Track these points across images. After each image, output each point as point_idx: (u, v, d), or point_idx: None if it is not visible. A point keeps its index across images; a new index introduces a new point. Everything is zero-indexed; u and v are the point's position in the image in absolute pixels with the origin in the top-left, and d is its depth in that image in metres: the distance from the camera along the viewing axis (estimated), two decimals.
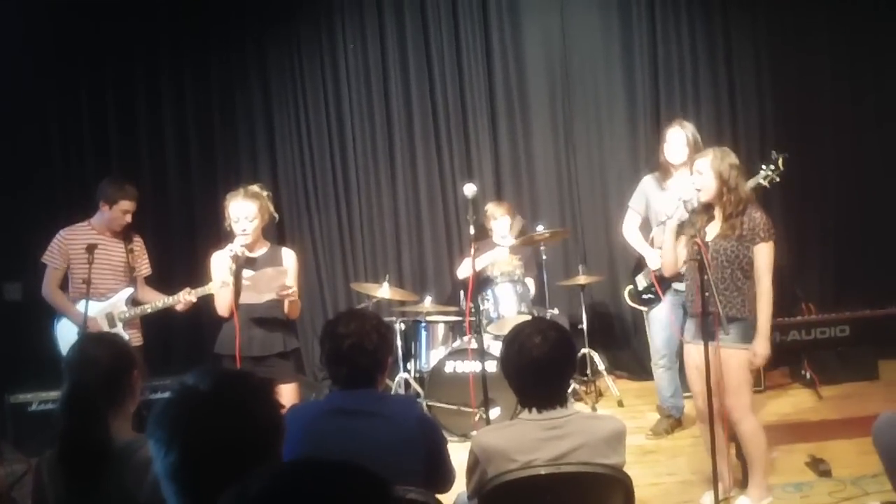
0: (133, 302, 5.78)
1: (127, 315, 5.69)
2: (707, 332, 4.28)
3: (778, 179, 5.77)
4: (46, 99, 7.66)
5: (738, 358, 4.42)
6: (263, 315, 5.02)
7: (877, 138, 7.66)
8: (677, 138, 5.60)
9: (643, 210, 6.02)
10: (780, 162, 5.63)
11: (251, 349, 4.96)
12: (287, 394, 4.94)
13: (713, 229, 4.51)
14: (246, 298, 4.90)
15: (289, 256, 5.21)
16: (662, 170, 5.85)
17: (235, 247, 4.87)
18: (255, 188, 5.10)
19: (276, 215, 5.41)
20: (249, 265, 4.94)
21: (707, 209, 4.55)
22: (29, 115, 7.53)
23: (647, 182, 6.00)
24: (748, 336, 4.44)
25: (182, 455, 1.69)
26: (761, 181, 5.77)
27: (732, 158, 4.52)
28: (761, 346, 4.44)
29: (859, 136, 7.70)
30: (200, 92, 7.97)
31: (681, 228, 4.65)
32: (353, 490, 1.27)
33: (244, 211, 4.94)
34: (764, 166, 5.69)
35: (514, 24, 8.02)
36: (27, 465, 5.02)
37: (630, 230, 6.11)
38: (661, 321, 5.86)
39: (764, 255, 4.47)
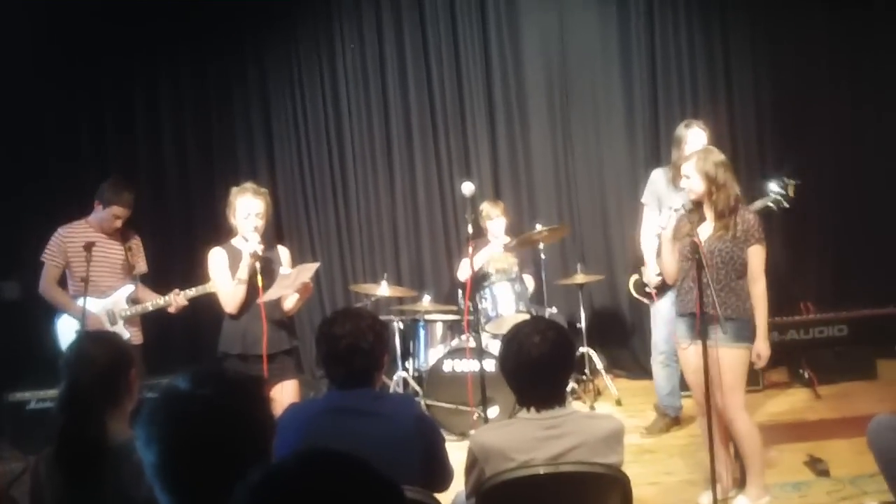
0: (133, 300, 5.77)
1: (128, 313, 5.69)
2: (704, 331, 4.29)
3: (787, 206, 5.77)
4: (44, 98, 7.65)
5: (733, 357, 4.43)
6: (271, 313, 5.00)
7: (876, 138, 7.65)
8: (699, 140, 5.54)
9: (657, 204, 5.91)
10: (791, 188, 5.64)
11: (260, 347, 4.90)
12: (291, 390, 4.95)
13: (705, 230, 4.52)
14: (266, 296, 4.87)
15: (284, 254, 5.21)
16: (675, 169, 5.76)
17: (254, 245, 4.84)
18: (257, 186, 5.08)
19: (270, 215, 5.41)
20: (262, 263, 4.92)
21: (698, 210, 4.55)
22: (26, 114, 7.52)
23: (658, 176, 5.91)
24: (742, 335, 4.46)
25: (161, 452, 1.70)
26: (769, 204, 5.78)
27: (717, 156, 4.53)
28: (762, 347, 4.47)
29: (858, 135, 7.70)
30: (198, 91, 7.98)
31: (675, 233, 4.65)
32: (369, 482, 1.28)
33: (255, 207, 4.92)
34: (774, 189, 5.69)
35: (512, 23, 8.02)
36: (25, 464, 5.04)
37: (648, 235, 5.92)
38: (663, 316, 5.82)
39: (758, 257, 4.50)
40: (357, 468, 1.30)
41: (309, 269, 5.01)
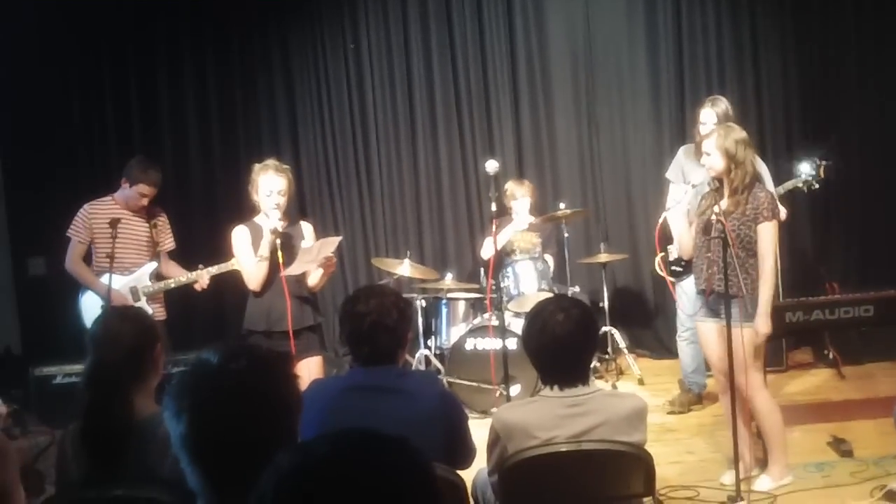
0: (157, 277, 5.81)
1: (151, 289, 5.73)
2: (728, 310, 4.28)
3: (817, 187, 5.72)
4: (69, 78, 7.71)
5: (748, 335, 4.41)
6: (295, 289, 5.01)
7: None
8: (708, 118, 5.52)
9: (681, 180, 5.87)
10: (822, 169, 5.59)
11: (285, 323, 4.91)
12: (315, 366, 4.97)
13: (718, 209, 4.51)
14: (289, 271, 4.88)
15: (308, 230, 5.21)
16: (697, 148, 5.75)
17: (274, 221, 4.86)
18: (279, 163, 5.09)
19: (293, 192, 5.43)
20: (283, 239, 4.94)
21: (719, 188, 4.53)
22: (52, 95, 7.57)
23: (684, 152, 5.91)
24: (754, 314, 4.45)
25: (190, 425, 1.71)
26: (799, 185, 5.74)
27: (738, 133, 4.51)
28: (762, 324, 4.43)
29: (885, 117, 7.59)
30: (222, 69, 7.98)
31: (696, 209, 4.65)
32: (401, 464, 1.27)
33: (277, 185, 4.92)
34: (805, 169, 5.64)
35: (538, 4, 7.96)
36: (51, 438, 5.09)
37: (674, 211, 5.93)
38: (689, 293, 5.77)
39: (767, 235, 4.47)
40: (389, 449, 1.28)
41: (331, 243, 5.01)
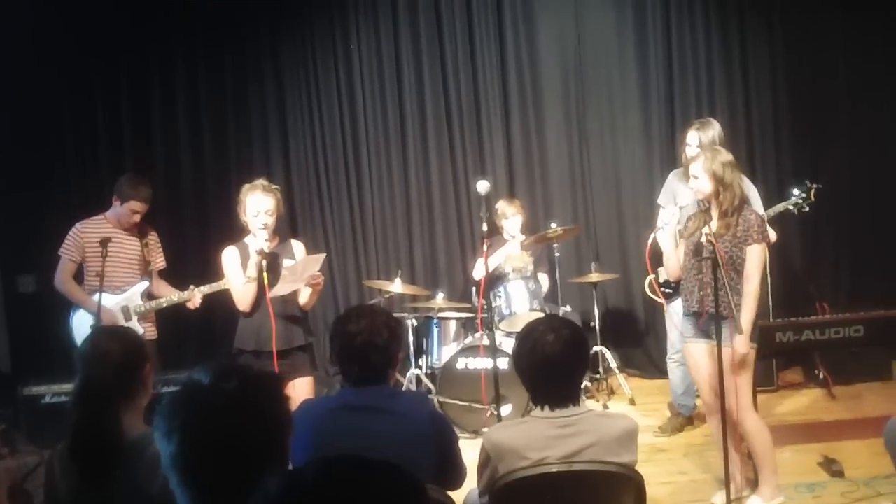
0: (148, 296, 5.80)
1: (142, 309, 5.72)
2: (719, 331, 4.29)
3: (807, 209, 5.77)
4: (60, 93, 7.67)
5: (737, 356, 4.42)
6: (285, 309, 5.01)
7: (893, 139, 7.60)
8: (693, 140, 5.55)
9: (672, 204, 5.91)
10: (812, 192, 5.63)
11: (276, 342, 4.90)
12: (305, 387, 4.96)
13: (708, 230, 4.52)
14: (275, 291, 4.89)
15: (299, 248, 5.21)
16: (685, 169, 5.79)
17: (261, 242, 4.86)
18: (267, 183, 5.10)
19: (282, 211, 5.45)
20: (269, 259, 4.94)
21: (707, 210, 4.55)
22: (43, 109, 7.55)
23: (674, 176, 5.95)
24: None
25: (180, 445, 1.70)
26: (790, 207, 5.78)
27: (724, 156, 4.55)
28: (740, 345, 4.43)
29: (875, 137, 7.64)
30: (214, 85, 7.98)
31: (681, 231, 4.68)
32: (390, 490, 1.27)
33: (264, 205, 4.93)
34: (795, 192, 5.69)
35: (528, 20, 7.99)
36: (40, 458, 5.06)
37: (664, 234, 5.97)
38: (679, 315, 5.79)
39: (755, 257, 4.50)
40: (378, 475, 1.28)
41: (316, 261, 5.01)
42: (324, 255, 5.21)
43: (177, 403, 1.75)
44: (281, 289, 4.89)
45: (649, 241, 5.00)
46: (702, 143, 5.43)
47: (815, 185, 5.71)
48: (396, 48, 8.05)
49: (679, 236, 4.73)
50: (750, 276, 4.48)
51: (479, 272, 6.81)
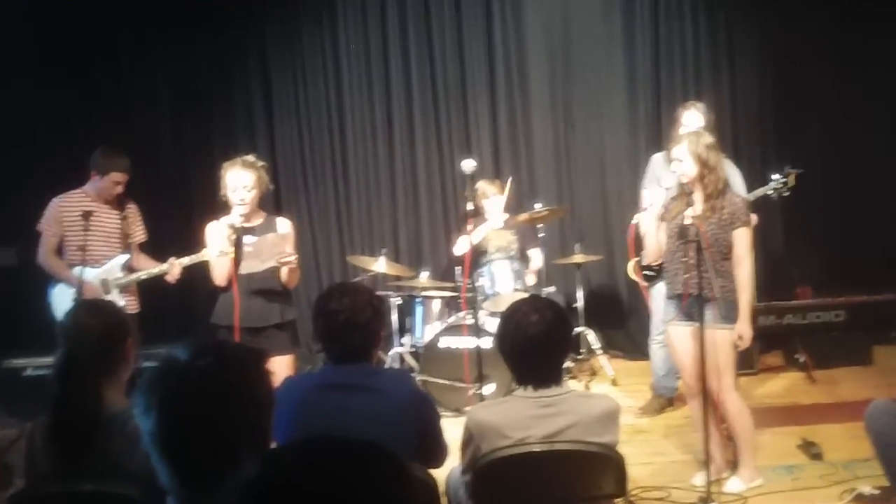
0: (128, 269, 5.77)
1: (122, 281, 5.68)
2: (702, 313, 4.31)
3: (787, 194, 5.78)
4: (35, 64, 7.56)
5: (722, 337, 4.45)
6: (262, 285, 4.99)
7: (878, 120, 7.62)
8: (694, 122, 5.52)
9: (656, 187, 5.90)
10: (793, 177, 5.64)
11: (249, 319, 4.91)
12: (283, 365, 4.92)
13: (692, 213, 4.53)
14: (246, 268, 4.88)
15: (284, 225, 5.19)
16: (669, 154, 5.75)
17: (234, 217, 4.85)
18: (251, 158, 5.06)
19: (272, 186, 5.41)
20: (248, 235, 4.92)
21: (688, 193, 4.56)
22: (17, 82, 7.44)
23: (657, 161, 5.92)
24: (730, 317, 4.48)
25: (158, 422, 1.69)
26: (769, 192, 5.78)
27: (707, 139, 4.56)
28: (745, 329, 4.47)
29: (861, 119, 7.65)
30: (197, 61, 7.91)
31: (665, 214, 4.68)
32: (371, 472, 1.26)
33: (242, 180, 4.91)
34: (775, 178, 5.70)
35: (516, 2, 7.96)
36: (20, 431, 5.03)
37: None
38: (663, 297, 5.79)
39: (743, 240, 4.52)
40: (358, 456, 1.27)
41: (281, 239, 4.98)
42: (287, 233, 5.14)
43: (154, 380, 1.74)
44: (248, 266, 4.88)
45: (632, 223, 4.99)
46: (700, 124, 5.40)
47: (795, 171, 5.72)
48: (384, 30, 8.00)
49: (661, 219, 4.73)
50: (741, 260, 4.50)
51: (460, 248, 6.80)
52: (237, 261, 4.85)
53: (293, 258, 5.01)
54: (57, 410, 2.70)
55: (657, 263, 5.29)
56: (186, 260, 5.41)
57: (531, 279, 6.75)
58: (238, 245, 4.85)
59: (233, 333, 4.87)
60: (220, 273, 4.98)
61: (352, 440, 1.29)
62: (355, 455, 1.27)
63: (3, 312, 7.37)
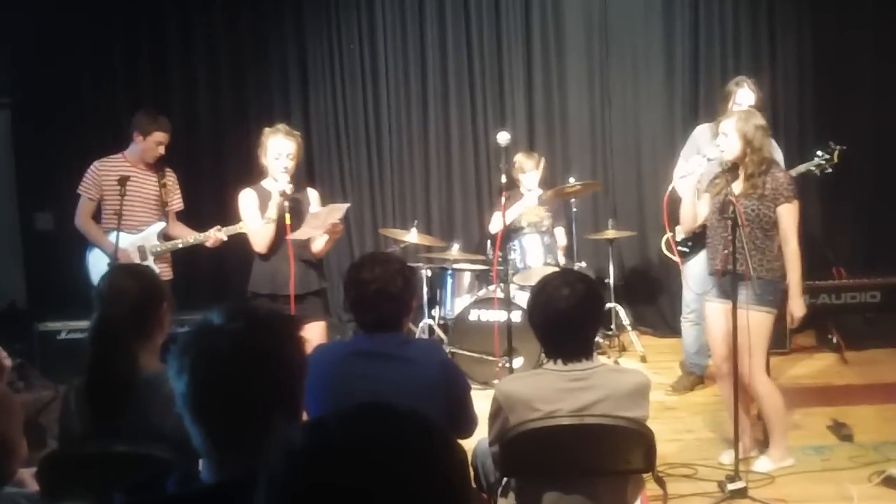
0: (165, 236, 5.81)
1: (158, 249, 5.73)
2: (735, 292, 4.28)
3: (830, 170, 5.71)
4: (78, 32, 7.64)
5: (755, 318, 4.40)
6: (302, 254, 5.00)
7: None
8: (747, 100, 5.42)
9: None
10: (836, 154, 5.56)
11: (289, 287, 4.89)
12: (318, 331, 4.94)
13: (735, 189, 4.47)
14: (295, 235, 4.88)
15: (314, 196, 5.22)
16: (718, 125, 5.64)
17: (283, 184, 4.85)
18: (289, 128, 5.08)
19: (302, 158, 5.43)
20: (291, 203, 4.94)
21: (733, 169, 4.51)
22: (60, 49, 7.52)
23: (701, 132, 5.79)
24: (765, 299, 4.44)
25: (190, 384, 1.71)
26: (812, 168, 5.72)
27: (758, 120, 4.49)
28: (797, 307, 4.45)
29: None
30: (233, 29, 7.93)
31: (709, 186, 4.63)
32: (423, 438, 1.24)
33: (286, 148, 4.92)
34: (819, 154, 5.62)
35: None
36: (54, 393, 5.11)
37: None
38: (695, 275, 5.71)
39: (789, 216, 4.46)
40: (406, 425, 1.25)
41: (339, 210, 5.01)
42: (347, 204, 5.20)
43: (188, 343, 1.75)
44: (301, 233, 4.88)
45: (668, 190, 4.89)
46: (751, 102, 5.32)
47: (838, 147, 5.64)
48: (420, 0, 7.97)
49: (704, 191, 4.67)
50: (787, 237, 4.46)
51: (495, 226, 6.79)
52: (289, 228, 4.84)
53: (341, 228, 5.06)
54: (91, 373, 2.73)
55: (687, 234, 5.23)
56: (229, 230, 5.43)
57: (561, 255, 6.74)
58: (288, 212, 4.86)
59: (273, 301, 4.89)
60: (263, 240, 4.96)
61: (396, 407, 1.26)
62: (404, 423, 1.25)
63: (39, 276, 7.50)
